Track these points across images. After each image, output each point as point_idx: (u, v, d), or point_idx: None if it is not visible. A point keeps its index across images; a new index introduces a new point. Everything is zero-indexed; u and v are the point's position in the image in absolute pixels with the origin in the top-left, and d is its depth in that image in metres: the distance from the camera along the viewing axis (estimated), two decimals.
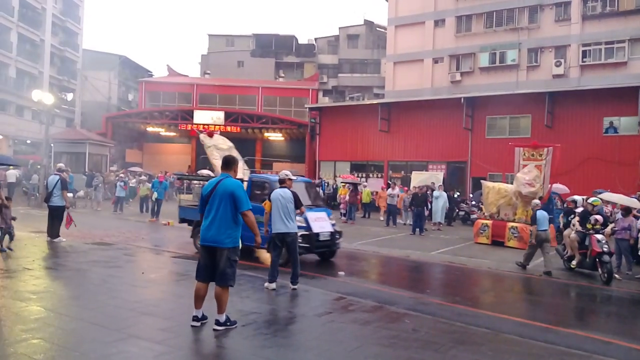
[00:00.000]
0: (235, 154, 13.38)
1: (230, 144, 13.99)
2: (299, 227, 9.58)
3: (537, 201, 12.70)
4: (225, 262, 5.48)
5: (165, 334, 5.40)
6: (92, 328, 5.49)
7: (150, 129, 37.78)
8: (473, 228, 16.91)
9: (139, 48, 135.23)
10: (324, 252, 11.36)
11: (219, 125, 34.99)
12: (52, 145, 29.77)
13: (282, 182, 8.35)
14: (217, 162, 12.67)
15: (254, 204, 10.17)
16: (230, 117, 35.08)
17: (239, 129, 35.32)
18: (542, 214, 11.66)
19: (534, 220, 11.77)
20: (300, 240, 9.59)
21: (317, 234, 10.58)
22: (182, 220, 13.37)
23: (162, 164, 36.69)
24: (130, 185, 26.16)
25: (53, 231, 11.87)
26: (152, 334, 5.40)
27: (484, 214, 17.05)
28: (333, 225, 11.20)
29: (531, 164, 15.86)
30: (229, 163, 5.81)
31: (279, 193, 8.07)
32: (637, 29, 28.65)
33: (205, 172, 30.48)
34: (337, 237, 11.28)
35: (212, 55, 50.69)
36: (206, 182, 6.08)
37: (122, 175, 25.48)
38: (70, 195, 15.56)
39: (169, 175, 30.93)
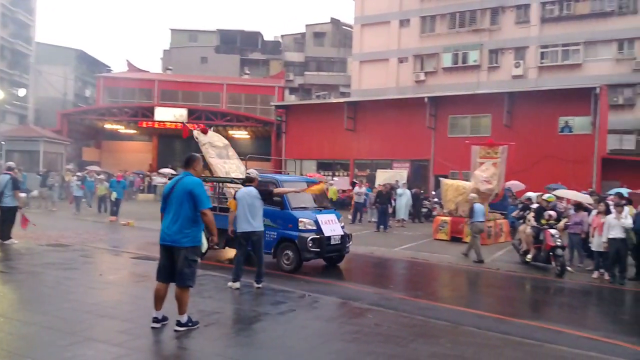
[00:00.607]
0: (231, 152, 13.15)
1: (226, 141, 13.43)
2: (309, 230, 9.75)
3: (474, 195, 13.58)
4: (183, 261, 5.42)
5: (123, 336, 5.32)
6: (45, 332, 5.34)
7: (108, 126, 36.57)
8: (433, 225, 17.20)
9: (97, 42, 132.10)
10: (333, 256, 10.84)
11: (182, 122, 34.41)
12: (2, 143, 28.74)
13: (249, 181, 8.38)
14: (214, 161, 12.30)
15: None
16: (193, 114, 34.52)
17: (202, 126, 34.85)
18: (479, 207, 12.82)
19: (471, 213, 12.75)
20: (310, 245, 9.60)
21: (328, 238, 10.07)
22: None
23: (121, 163, 35.85)
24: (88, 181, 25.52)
25: (4, 233, 11.38)
26: (110, 337, 5.31)
27: (443, 210, 17.36)
28: (342, 227, 10.81)
29: (488, 162, 16.26)
30: (189, 161, 5.73)
31: (245, 192, 8.06)
32: (592, 32, 29.80)
33: (167, 170, 30.12)
34: (348, 240, 10.80)
35: (175, 50, 49.81)
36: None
37: (85, 174, 24.79)
38: (23, 195, 14.91)
39: (128, 173, 30.34)
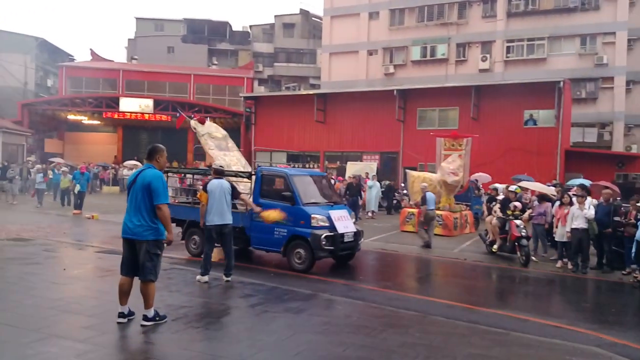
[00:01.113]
0: (231, 143, 12.62)
1: (224, 132, 12.86)
2: (322, 227, 9.29)
3: (425, 184, 14.10)
4: (144, 255, 5.33)
5: (88, 332, 5.20)
6: (5, 329, 5.18)
7: (71, 117, 35.52)
8: (399, 217, 17.18)
9: (59, 30, 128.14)
10: (345, 254, 10.26)
11: (148, 113, 33.84)
12: None
13: (220, 173, 8.30)
14: (214, 153, 11.78)
15: (267, 201, 9.66)
16: (159, 105, 33.91)
17: (169, 117, 34.35)
18: (430, 196, 13.43)
19: (423, 201, 13.25)
20: (324, 242, 9.17)
21: (342, 235, 9.55)
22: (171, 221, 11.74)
23: (85, 154, 35.01)
24: (50, 176, 24.90)
25: None
26: (75, 333, 5.19)
27: (410, 202, 17.38)
28: (355, 223, 10.49)
29: (454, 154, 16.42)
30: (152, 152, 5.57)
31: (217, 184, 7.96)
32: (556, 27, 30.46)
33: (131, 162, 29.49)
34: (360, 237, 10.40)
35: (140, 39, 48.60)
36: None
37: (53, 167, 24.09)
38: None
39: (92, 165, 29.65)
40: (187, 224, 10.75)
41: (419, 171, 19.87)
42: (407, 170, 18.32)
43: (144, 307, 5.44)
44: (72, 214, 17.73)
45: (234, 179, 10.48)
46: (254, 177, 10.29)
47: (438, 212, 15.60)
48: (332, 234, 9.35)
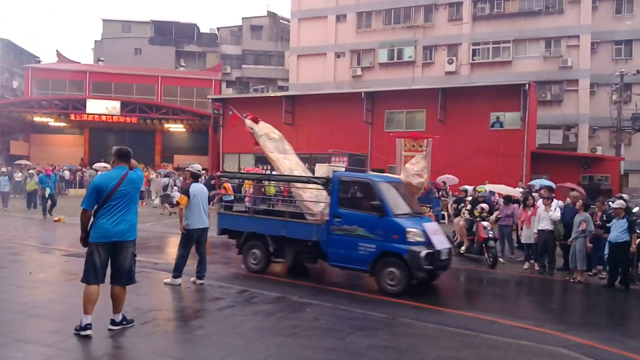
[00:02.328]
0: (287, 146, 11.40)
1: (280, 133, 11.62)
2: (419, 243, 8.15)
3: None
4: (131, 258, 5.33)
5: (55, 336, 5.11)
6: None
7: (37, 119, 34.86)
8: None
9: (25, 31, 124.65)
10: (437, 273, 8.94)
11: (115, 115, 33.25)
12: None
13: (198, 177, 8.36)
14: (275, 156, 10.37)
15: (349, 211, 8.64)
16: (127, 106, 33.42)
17: (136, 119, 33.81)
18: None
19: None
20: (424, 261, 7.98)
21: (439, 252, 8.38)
22: (223, 232, 10.10)
23: (51, 157, 34.21)
24: (16, 179, 24.20)
25: None
26: (41, 337, 5.10)
27: None
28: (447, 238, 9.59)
29: (418, 155, 15.59)
30: (125, 154, 5.49)
31: (198, 188, 7.96)
32: (521, 30, 31.16)
33: (100, 165, 28.90)
34: (452, 254, 9.43)
35: (107, 41, 47.72)
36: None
37: (32, 171, 23.40)
38: None
39: (58, 168, 28.97)
40: (246, 236, 9.58)
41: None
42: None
43: (113, 312, 5.36)
44: (53, 221, 16.82)
45: (303, 185, 9.71)
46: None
47: None
48: (431, 251, 8.17)
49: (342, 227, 8.60)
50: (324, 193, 9.38)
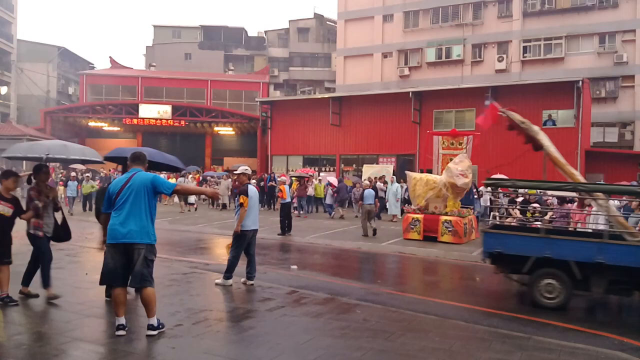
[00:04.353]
0: (547, 142, 9.96)
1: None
2: None
3: (366, 182, 16.05)
4: (142, 261, 5.18)
5: (109, 335, 5.30)
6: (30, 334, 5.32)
7: (92, 123, 36.29)
8: (402, 223, 15.74)
9: (79, 39, 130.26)
10: None
11: (167, 119, 34.25)
12: None
13: (249, 178, 8.52)
14: (561, 159, 9.32)
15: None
16: (178, 111, 34.31)
17: (187, 123, 34.71)
18: (369, 192, 15.48)
19: (361, 197, 15.48)
20: None
21: None
22: (492, 256, 8.15)
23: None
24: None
25: None
26: (96, 337, 5.31)
27: (412, 207, 15.77)
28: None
29: (462, 154, 15.24)
30: (140, 158, 5.56)
31: (253, 190, 8.19)
32: (573, 26, 30.10)
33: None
34: None
35: (158, 47, 49.23)
36: None
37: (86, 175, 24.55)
38: None
39: (113, 172, 29.99)
40: (534, 262, 7.67)
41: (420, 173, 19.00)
42: (408, 172, 16.88)
43: (148, 316, 5.28)
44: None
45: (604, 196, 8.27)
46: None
47: (447, 217, 14.48)
48: None
49: None
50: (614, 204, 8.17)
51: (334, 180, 22.91)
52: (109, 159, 7.98)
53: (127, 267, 5.20)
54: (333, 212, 21.36)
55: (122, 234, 5.14)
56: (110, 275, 5.27)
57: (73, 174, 24.65)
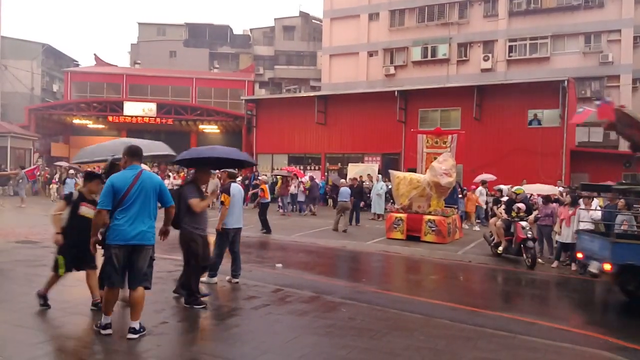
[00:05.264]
0: None
1: None
2: None
3: (343, 180, 17.28)
4: (148, 261, 5.18)
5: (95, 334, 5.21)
6: (16, 330, 5.23)
7: (77, 121, 35.99)
8: (385, 223, 15.66)
9: (64, 36, 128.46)
10: None
11: (151, 117, 33.98)
12: None
13: (234, 177, 8.45)
14: None
15: None
16: (162, 108, 34.10)
17: (172, 121, 34.47)
18: (344, 189, 16.49)
19: (338, 194, 16.52)
20: None
21: None
22: (622, 269, 7.63)
23: None
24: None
25: None
26: (83, 334, 5.24)
27: (395, 206, 15.60)
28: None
29: (446, 153, 15.10)
30: (138, 153, 5.39)
31: (237, 188, 8.13)
32: (559, 25, 30.35)
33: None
34: None
35: (143, 44, 48.80)
36: None
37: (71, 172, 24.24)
38: None
39: (98, 169, 29.67)
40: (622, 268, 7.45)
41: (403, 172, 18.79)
42: (391, 171, 16.49)
43: (132, 318, 5.15)
44: None
45: None
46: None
47: (431, 217, 14.26)
48: None
49: None
50: None
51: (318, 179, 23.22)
52: (179, 162, 7.23)
53: (127, 267, 5.14)
54: (305, 210, 22.01)
55: (131, 235, 5.03)
56: (114, 276, 5.11)
57: (72, 171, 24.30)
